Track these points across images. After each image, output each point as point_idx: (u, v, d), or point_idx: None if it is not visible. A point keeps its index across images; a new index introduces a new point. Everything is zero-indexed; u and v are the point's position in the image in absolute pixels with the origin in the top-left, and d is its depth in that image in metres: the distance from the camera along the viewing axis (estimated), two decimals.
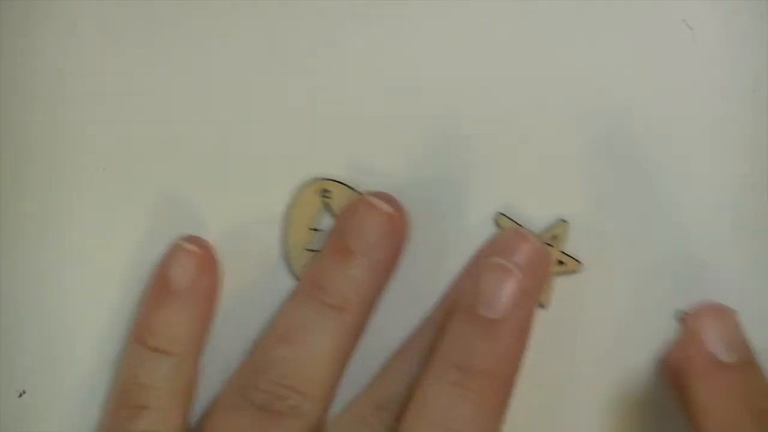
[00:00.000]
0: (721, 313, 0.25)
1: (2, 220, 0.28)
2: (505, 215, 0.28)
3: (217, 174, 0.28)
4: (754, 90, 0.28)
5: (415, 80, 0.28)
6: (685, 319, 0.26)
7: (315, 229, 0.27)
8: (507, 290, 0.23)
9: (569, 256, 0.28)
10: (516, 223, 0.28)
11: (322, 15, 0.28)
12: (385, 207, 0.26)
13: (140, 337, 0.26)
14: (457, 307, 0.24)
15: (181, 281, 0.26)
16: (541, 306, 0.27)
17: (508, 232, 0.26)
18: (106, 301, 0.28)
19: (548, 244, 0.27)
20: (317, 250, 0.27)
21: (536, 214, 0.28)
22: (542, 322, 0.26)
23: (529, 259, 0.25)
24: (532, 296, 0.24)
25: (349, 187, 0.27)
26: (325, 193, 0.27)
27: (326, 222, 0.27)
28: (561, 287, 0.27)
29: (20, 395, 0.28)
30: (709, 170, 0.29)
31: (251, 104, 0.28)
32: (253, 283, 0.28)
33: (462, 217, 0.28)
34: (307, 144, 0.28)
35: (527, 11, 0.28)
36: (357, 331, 0.26)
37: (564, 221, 0.28)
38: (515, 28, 0.28)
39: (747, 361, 0.24)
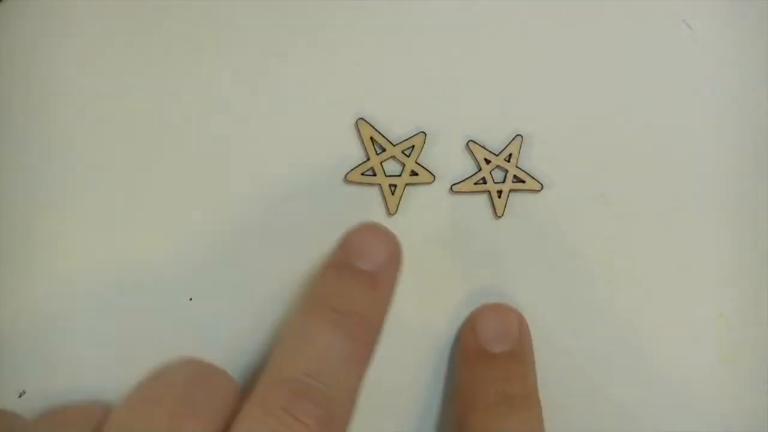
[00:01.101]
0: (499, 309, 0.28)
1: (2, 219, 0.28)
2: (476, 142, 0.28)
3: (217, 173, 0.28)
4: (754, 90, 0.28)
5: None
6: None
7: None
8: (381, 247, 0.26)
9: (424, 168, 0.28)
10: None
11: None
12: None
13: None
14: (329, 262, 0.26)
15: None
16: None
17: (362, 228, 0.27)
18: (106, 301, 0.28)
19: (404, 154, 0.28)
20: None
21: None
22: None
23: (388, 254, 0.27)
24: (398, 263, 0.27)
25: None
26: None
27: None
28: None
29: (20, 395, 0.28)
30: (709, 170, 0.29)
31: (253, 103, 0.28)
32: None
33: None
34: (312, 147, 0.28)
35: (527, 11, 0.28)
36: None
37: (423, 132, 0.28)
38: (514, 28, 0.28)
39: (512, 353, 0.27)
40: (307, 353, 0.24)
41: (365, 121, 0.28)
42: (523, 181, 0.28)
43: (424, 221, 0.28)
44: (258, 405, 0.24)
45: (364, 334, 0.25)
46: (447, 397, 0.28)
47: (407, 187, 0.28)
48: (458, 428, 0.27)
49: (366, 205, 0.28)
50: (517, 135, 0.28)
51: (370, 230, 0.26)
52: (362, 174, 0.28)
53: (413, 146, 0.28)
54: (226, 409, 0.24)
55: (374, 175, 0.28)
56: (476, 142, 0.28)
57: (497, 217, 0.28)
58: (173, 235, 0.28)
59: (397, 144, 0.28)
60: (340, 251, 0.26)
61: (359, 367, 0.25)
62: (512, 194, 0.28)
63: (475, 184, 0.28)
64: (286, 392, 0.23)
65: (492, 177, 0.28)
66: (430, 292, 0.28)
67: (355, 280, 0.26)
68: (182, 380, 0.25)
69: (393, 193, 0.28)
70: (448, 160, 0.28)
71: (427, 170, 0.28)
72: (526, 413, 0.26)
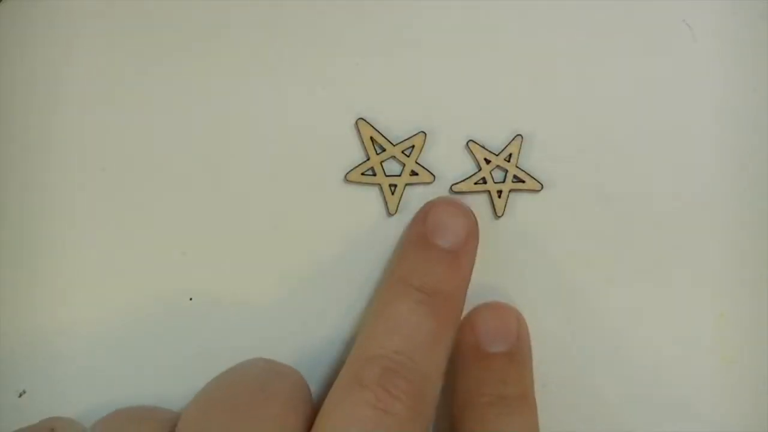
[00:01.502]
0: (498, 308, 0.28)
1: (2, 219, 0.28)
2: (476, 142, 0.28)
3: (217, 173, 0.28)
4: (754, 90, 0.28)
5: None
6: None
7: None
8: (461, 224, 0.27)
9: (424, 168, 0.28)
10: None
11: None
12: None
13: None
14: (409, 238, 0.27)
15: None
16: None
17: (442, 204, 0.27)
18: (106, 301, 0.28)
19: (404, 154, 0.28)
20: None
21: None
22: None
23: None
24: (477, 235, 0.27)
25: None
26: None
27: None
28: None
29: (20, 395, 0.28)
30: (709, 169, 0.29)
31: (253, 103, 0.28)
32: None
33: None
34: (312, 147, 0.28)
35: (527, 11, 0.28)
36: None
37: (423, 132, 0.28)
38: (514, 28, 0.28)
39: (509, 353, 0.27)
40: (396, 332, 0.25)
41: (365, 121, 0.28)
42: (523, 181, 0.28)
43: None
44: (351, 380, 0.24)
45: (449, 314, 0.26)
46: (443, 395, 0.28)
47: (407, 187, 0.28)
48: (453, 427, 0.27)
49: (366, 205, 0.28)
50: (517, 135, 0.28)
51: (450, 206, 0.27)
52: (362, 174, 0.28)
53: (413, 146, 0.28)
54: (302, 399, 0.24)
55: (374, 175, 0.28)
56: (476, 142, 0.28)
57: (497, 217, 0.28)
58: (173, 234, 0.28)
59: (397, 144, 0.28)
60: (419, 227, 0.27)
61: (445, 345, 0.25)
62: (512, 194, 0.28)
63: (475, 184, 0.28)
64: (379, 368, 0.24)
65: (492, 177, 0.28)
66: None
67: (438, 259, 0.26)
68: (258, 371, 0.25)
69: (393, 193, 0.28)
70: (448, 160, 0.28)
71: (427, 170, 0.28)
72: (521, 415, 0.26)
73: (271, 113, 0.28)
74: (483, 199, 0.28)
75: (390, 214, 0.28)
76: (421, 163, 0.28)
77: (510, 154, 0.28)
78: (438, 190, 0.28)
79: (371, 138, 0.28)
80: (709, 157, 0.28)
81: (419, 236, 0.27)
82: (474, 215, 0.27)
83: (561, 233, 0.28)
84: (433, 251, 0.26)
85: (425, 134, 0.28)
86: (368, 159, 0.28)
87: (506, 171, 0.28)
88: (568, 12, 0.28)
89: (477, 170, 0.28)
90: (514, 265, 0.29)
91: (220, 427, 0.23)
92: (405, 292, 0.25)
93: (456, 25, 0.28)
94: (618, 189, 0.28)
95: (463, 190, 0.28)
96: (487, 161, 0.28)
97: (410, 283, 0.26)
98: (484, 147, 0.28)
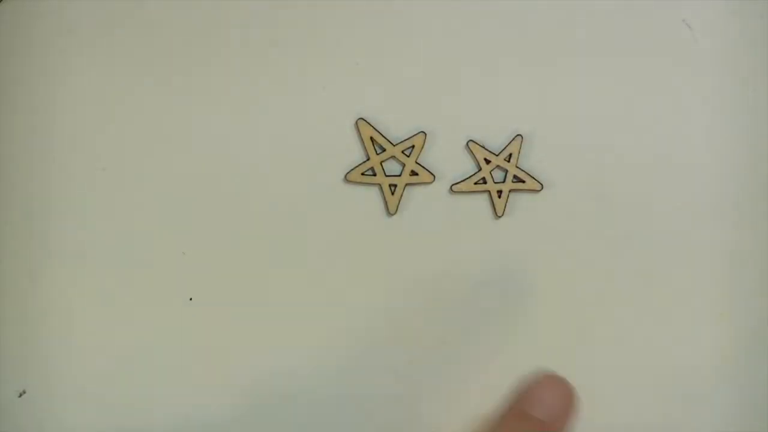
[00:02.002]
0: (554, 380, 0.28)
1: (2, 219, 0.28)
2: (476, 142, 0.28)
3: (217, 173, 0.28)
4: (754, 90, 0.28)
5: None
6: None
7: None
8: (556, 397, 0.27)
9: (424, 168, 0.28)
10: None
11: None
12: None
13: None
14: (510, 410, 0.28)
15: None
16: None
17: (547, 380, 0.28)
18: (106, 301, 0.28)
19: (404, 154, 0.28)
20: None
21: None
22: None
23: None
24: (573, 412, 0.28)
25: None
26: None
27: None
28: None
29: (20, 395, 0.28)
30: (709, 169, 0.29)
31: (253, 103, 0.28)
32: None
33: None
34: (312, 147, 0.28)
35: (527, 11, 0.28)
36: None
37: (423, 132, 0.28)
38: (514, 28, 0.28)
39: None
40: None
41: (365, 121, 0.28)
42: (523, 181, 0.28)
43: (424, 221, 0.28)
44: None
45: None
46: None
47: (407, 187, 0.28)
48: None
49: (366, 205, 0.28)
50: (517, 135, 0.28)
51: (550, 380, 0.28)
52: (362, 174, 0.28)
53: (413, 146, 0.28)
54: None
55: (374, 175, 0.28)
56: (476, 142, 0.28)
57: (497, 217, 0.28)
58: (173, 234, 0.28)
59: (397, 144, 0.28)
60: (518, 402, 0.28)
61: None
62: (512, 194, 0.28)
63: (475, 184, 0.28)
64: None
65: (492, 177, 0.28)
66: (430, 291, 0.28)
67: (530, 428, 0.27)
68: None
69: (393, 193, 0.28)
70: (448, 160, 0.28)
71: (427, 170, 0.28)
72: None
73: (272, 113, 0.28)
74: (483, 199, 0.28)
75: (390, 214, 0.28)
76: (421, 163, 0.28)
77: (510, 154, 0.28)
78: (438, 190, 0.28)
79: (371, 138, 0.28)
80: (709, 156, 0.29)
81: (518, 409, 0.27)
82: (571, 389, 0.27)
83: (561, 233, 0.28)
84: (529, 422, 0.27)
85: (425, 134, 0.28)
86: (368, 159, 0.28)
87: (506, 171, 0.28)
88: (567, 12, 0.28)
89: (477, 170, 0.28)
90: (514, 265, 0.29)
91: None
92: None
93: (456, 26, 0.28)
94: (618, 189, 0.28)
95: (463, 190, 0.28)
96: (487, 161, 0.28)
97: None
98: (484, 147, 0.28)
